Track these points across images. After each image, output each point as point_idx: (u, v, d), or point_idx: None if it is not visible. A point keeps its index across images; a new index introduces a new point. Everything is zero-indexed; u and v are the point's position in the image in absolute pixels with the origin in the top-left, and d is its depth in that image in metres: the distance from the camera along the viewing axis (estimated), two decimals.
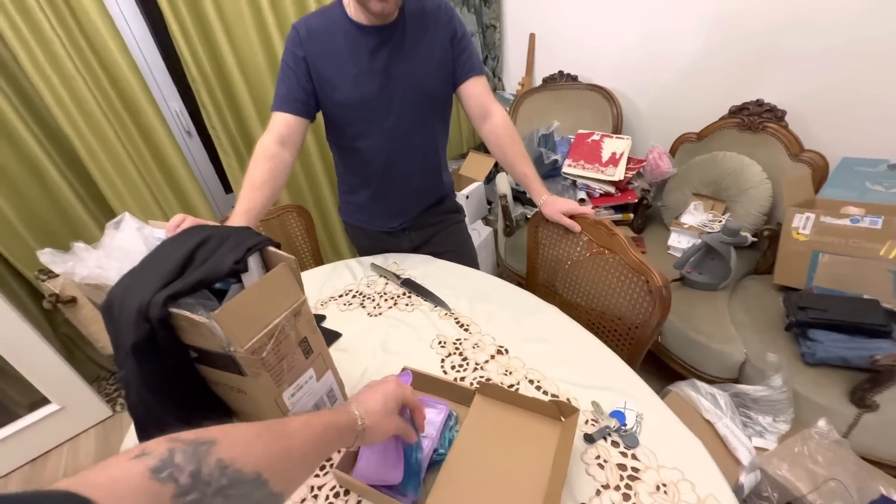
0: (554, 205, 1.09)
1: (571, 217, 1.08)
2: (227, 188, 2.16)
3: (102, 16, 1.45)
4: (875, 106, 1.38)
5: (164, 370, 0.56)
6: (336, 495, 0.69)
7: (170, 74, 1.82)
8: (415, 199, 1.21)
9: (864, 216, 1.18)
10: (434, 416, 0.73)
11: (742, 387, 1.19)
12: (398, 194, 1.17)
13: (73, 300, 1.63)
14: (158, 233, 0.70)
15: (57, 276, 1.58)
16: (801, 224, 1.28)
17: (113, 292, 0.57)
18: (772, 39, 1.52)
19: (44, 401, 1.69)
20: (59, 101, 1.46)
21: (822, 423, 1.07)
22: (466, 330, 0.98)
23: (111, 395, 1.90)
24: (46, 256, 0.63)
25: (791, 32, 1.47)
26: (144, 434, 0.61)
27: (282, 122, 0.96)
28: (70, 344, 1.87)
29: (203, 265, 0.59)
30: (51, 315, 1.77)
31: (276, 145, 0.94)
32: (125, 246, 0.63)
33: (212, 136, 1.82)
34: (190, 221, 0.74)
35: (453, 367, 0.89)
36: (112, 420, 1.81)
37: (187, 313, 0.53)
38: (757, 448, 1.12)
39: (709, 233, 1.48)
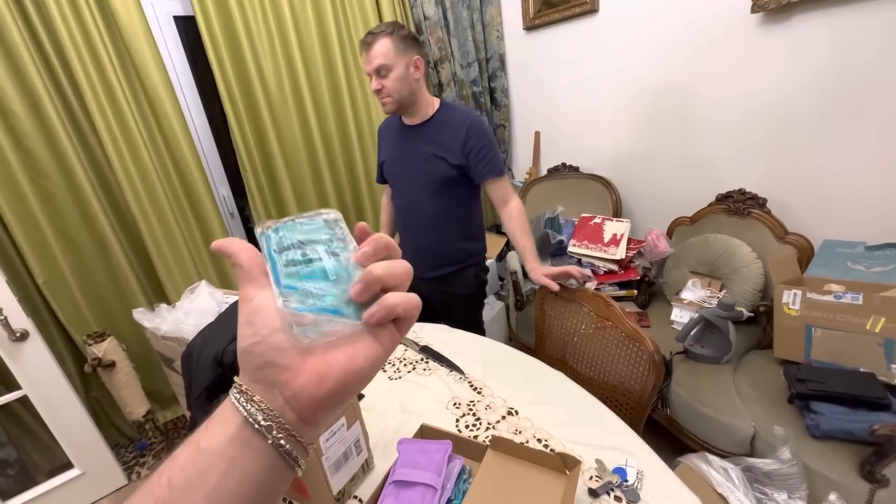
0: (538, 270, 1.30)
1: (556, 278, 1.27)
2: None
3: (176, 112, 1.78)
4: (848, 192, 1.53)
5: None
6: None
7: (221, 163, 2.12)
8: (427, 255, 1.49)
9: (846, 293, 1.28)
10: (436, 452, 0.80)
11: (752, 460, 1.20)
12: (412, 246, 1.52)
13: (112, 364, 1.75)
14: (226, 297, 0.85)
15: (102, 341, 1.72)
16: (791, 300, 1.37)
17: (192, 343, 0.70)
18: (744, 133, 1.74)
19: (64, 467, 1.73)
20: (131, 185, 1.73)
21: (833, 497, 1.06)
22: (479, 393, 1.06)
23: (128, 464, 1.92)
24: (139, 314, 0.77)
25: (763, 125, 1.68)
26: None
27: (384, 186, 1.60)
28: (98, 409, 1.95)
29: None
30: (87, 379, 1.88)
31: (386, 198, 1.64)
32: (202, 306, 0.78)
33: (252, 216, 2.07)
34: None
35: (467, 427, 0.97)
36: (127, 489, 1.82)
37: None
38: None
39: (707, 308, 1.58)
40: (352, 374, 0.28)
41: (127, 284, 1.86)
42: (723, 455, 1.31)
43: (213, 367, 0.65)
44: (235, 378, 0.29)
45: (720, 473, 1.19)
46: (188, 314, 0.76)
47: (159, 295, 1.95)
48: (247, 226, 2.28)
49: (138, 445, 1.97)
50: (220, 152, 2.12)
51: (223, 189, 2.17)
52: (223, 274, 2.04)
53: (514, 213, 1.38)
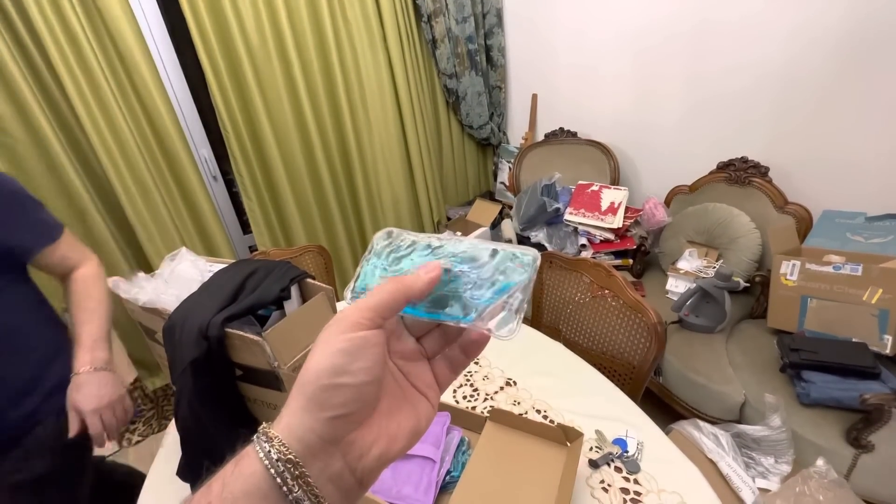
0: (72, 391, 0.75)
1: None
2: (245, 229, 2.29)
3: (150, 68, 1.64)
4: (851, 161, 1.50)
5: (216, 385, 0.64)
6: None
7: (201, 123, 1.99)
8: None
9: (846, 264, 1.27)
10: (433, 424, 0.79)
11: (742, 427, 1.23)
12: None
13: None
14: (209, 265, 0.80)
15: None
16: (789, 271, 1.37)
17: (175, 315, 0.66)
18: (752, 99, 1.68)
19: None
20: (104, 145, 1.61)
21: (820, 462, 1.09)
22: (477, 363, 1.04)
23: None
24: (114, 283, 0.72)
25: (769, 93, 1.63)
26: (187, 446, 0.67)
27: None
28: None
29: (253, 293, 0.68)
30: None
31: None
32: (183, 275, 0.72)
33: (237, 181, 1.97)
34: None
35: (465, 398, 0.95)
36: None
37: (241, 332, 0.61)
38: (761, 489, 1.14)
39: (703, 278, 1.57)
40: (416, 435, 0.27)
41: (108, 251, 1.77)
42: (713, 421, 1.33)
43: (197, 340, 0.60)
44: (274, 433, 0.23)
45: (711, 440, 1.21)
46: (168, 284, 0.71)
47: (142, 262, 1.87)
48: (231, 190, 2.18)
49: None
50: (200, 112, 1.98)
51: (204, 151, 2.05)
52: (207, 240, 1.96)
53: (90, 280, 0.85)
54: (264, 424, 0.24)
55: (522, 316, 0.27)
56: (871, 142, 1.44)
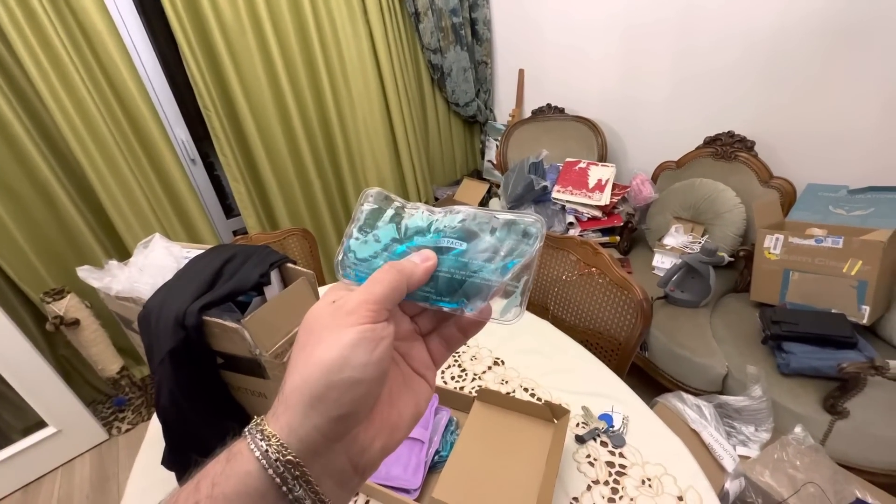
0: None
1: None
2: (227, 213, 2.24)
3: (118, 46, 1.56)
4: (835, 135, 1.50)
5: (197, 374, 0.62)
6: None
7: (177, 104, 1.91)
8: None
9: (827, 237, 1.28)
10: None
11: (725, 398, 1.26)
12: None
13: (76, 322, 1.66)
14: (185, 251, 0.77)
15: (61, 298, 1.62)
16: (772, 244, 1.38)
17: (150, 303, 0.63)
18: (739, 73, 1.66)
19: (39, 425, 1.69)
20: (72, 127, 1.53)
21: (798, 429, 1.13)
22: (465, 343, 1.04)
23: (108, 419, 1.90)
24: (84, 272, 0.69)
25: (753, 68, 1.61)
26: (171, 436, 0.65)
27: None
28: (68, 367, 1.88)
29: (231, 279, 0.66)
30: (51, 337, 1.79)
31: None
32: (158, 262, 0.70)
33: (222, 163, 1.91)
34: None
35: (453, 378, 0.95)
36: (108, 444, 1.81)
37: (220, 320, 0.59)
38: (741, 456, 1.18)
39: (689, 253, 1.58)
40: (417, 419, 0.26)
41: (83, 239, 1.72)
42: (696, 393, 1.37)
43: (174, 329, 0.59)
44: (270, 430, 0.21)
45: (694, 411, 1.24)
46: (143, 271, 0.68)
47: (120, 249, 1.82)
48: (212, 173, 2.11)
49: (116, 401, 1.94)
50: (175, 93, 1.90)
51: (181, 132, 1.98)
52: (189, 225, 1.91)
53: None
54: (257, 419, 0.22)
55: (528, 297, 0.26)
56: (856, 115, 1.44)
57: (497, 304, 0.26)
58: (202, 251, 0.73)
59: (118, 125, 1.66)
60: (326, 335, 0.22)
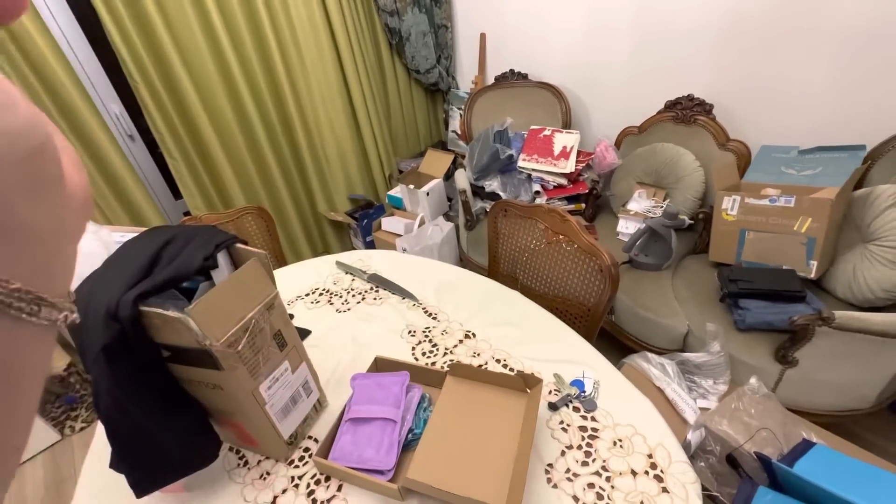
0: None
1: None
2: (176, 193, 2.08)
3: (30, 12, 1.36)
4: (789, 96, 1.55)
5: (137, 370, 0.56)
6: (317, 482, 0.71)
7: (107, 75, 1.72)
8: None
9: (780, 196, 1.33)
10: (392, 385, 0.77)
11: (686, 355, 1.31)
12: None
13: None
14: (116, 235, 0.69)
15: None
16: (730, 206, 1.42)
17: (77, 295, 0.56)
18: (696, 37, 1.67)
19: None
20: None
21: (753, 380, 1.19)
22: (435, 318, 1.02)
23: (59, 419, 1.78)
24: None
25: (712, 31, 1.62)
26: (117, 437, 0.60)
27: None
28: None
29: (171, 264, 0.59)
30: None
31: None
32: (83, 249, 0.62)
33: (156, 139, 1.75)
34: None
35: (424, 354, 0.93)
36: (61, 445, 1.70)
37: (160, 310, 0.53)
38: (701, 408, 1.24)
39: (652, 218, 1.61)
40: None
41: None
42: (660, 352, 1.42)
43: (106, 323, 0.52)
44: None
45: (658, 369, 1.29)
46: None
47: None
48: (156, 151, 1.93)
49: (66, 399, 1.81)
50: (104, 63, 1.70)
51: (114, 106, 1.79)
52: (131, 208, 1.76)
53: None
54: None
55: None
56: (806, 78, 1.48)
57: None
58: (136, 234, 0.65)
59: (37, 98, 1.47)
60: None
